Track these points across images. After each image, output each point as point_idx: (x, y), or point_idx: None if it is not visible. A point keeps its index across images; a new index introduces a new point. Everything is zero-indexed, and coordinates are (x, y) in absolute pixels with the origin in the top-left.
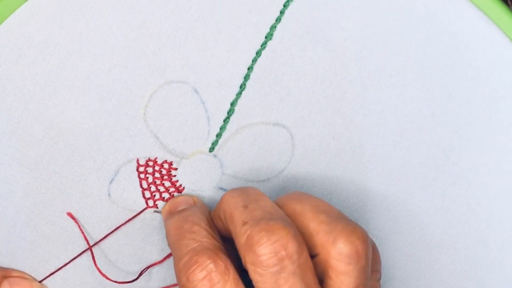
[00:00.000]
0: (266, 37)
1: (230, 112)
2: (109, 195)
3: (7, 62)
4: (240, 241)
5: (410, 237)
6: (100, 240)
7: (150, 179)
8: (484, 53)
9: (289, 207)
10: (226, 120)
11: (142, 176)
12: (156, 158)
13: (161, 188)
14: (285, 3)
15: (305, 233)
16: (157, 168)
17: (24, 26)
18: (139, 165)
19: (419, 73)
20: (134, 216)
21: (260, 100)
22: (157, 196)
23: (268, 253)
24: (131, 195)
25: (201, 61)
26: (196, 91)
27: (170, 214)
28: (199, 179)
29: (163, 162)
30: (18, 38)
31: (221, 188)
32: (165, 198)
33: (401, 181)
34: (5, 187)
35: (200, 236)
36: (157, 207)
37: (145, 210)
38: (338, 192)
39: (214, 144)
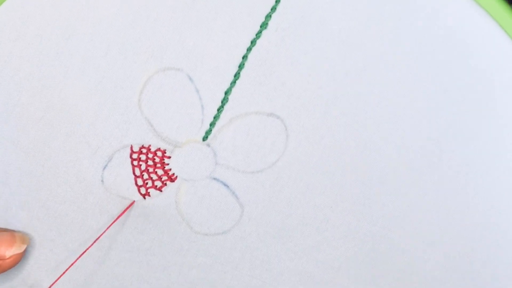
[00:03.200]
0: (261, 26)
1: (224, 101)
2: (102, 181)
3: (5, 44)
4: None
5: (404, 233)
6: (101, 234)
7: (143, 167)
8: (483, 49)
9: None
10: (219, 109)
11: (135, 163)
12: (150, 145)
13: (154, 176)
14: None
15: None
16: (150, 155)
17: (22, 7)
18: (132, 152)
19: (414, 66)
20: (123, 212)
21: (254, 90)
22: (149, 184)
23: None
24: (124, 182)
25: (196, 48)
26: (190, 78)
27: None
28: (192, 168)
29: (157, 150)
30: (16, 19)
31: (214, 178)
32: (158, 186)
33: (396, 175)
34: (1, 168)
35: None
36: (149, 195)
37: (136, 200)
38: (332, 184)
39: (208, 133)
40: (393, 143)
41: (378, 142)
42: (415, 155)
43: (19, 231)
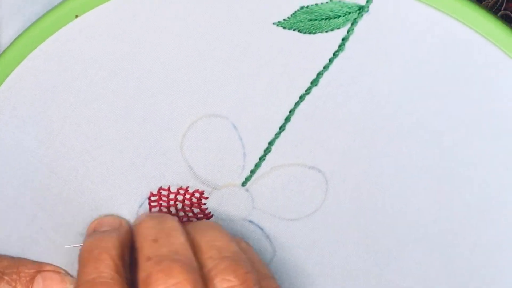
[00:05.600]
0: (311, 83)
1: (267, 151)
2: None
3: (51, 75)
4: (141, 276)
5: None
6: None
7: (179, 206)
8: None
9: (191, 236)
10: (262, 158)
11: (171, 203)
12: (188, 187)
13: (190, 214)
14: (335, 52)
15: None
16: (188, 196)
17: (73, 41)
18: (170, 193)
19: (465, 133)
20: None
21: (299, 143)
22: (185, 220)
23: None
24: None
25: (244, 99)
26: (235, 127)
27: (91, 233)
28: (229, 210)
29: (195, 191)
30: (65, 52)
31: (250, 221)
32: None
33: (432, 240)
34: (38, 192)
35: (103, 266)
36: None
37: None
38: (364, 240)
39: (248, 179)
40: (433, 206)
41: (418, 205)
42: (456, 218)
43: (69, 277)
